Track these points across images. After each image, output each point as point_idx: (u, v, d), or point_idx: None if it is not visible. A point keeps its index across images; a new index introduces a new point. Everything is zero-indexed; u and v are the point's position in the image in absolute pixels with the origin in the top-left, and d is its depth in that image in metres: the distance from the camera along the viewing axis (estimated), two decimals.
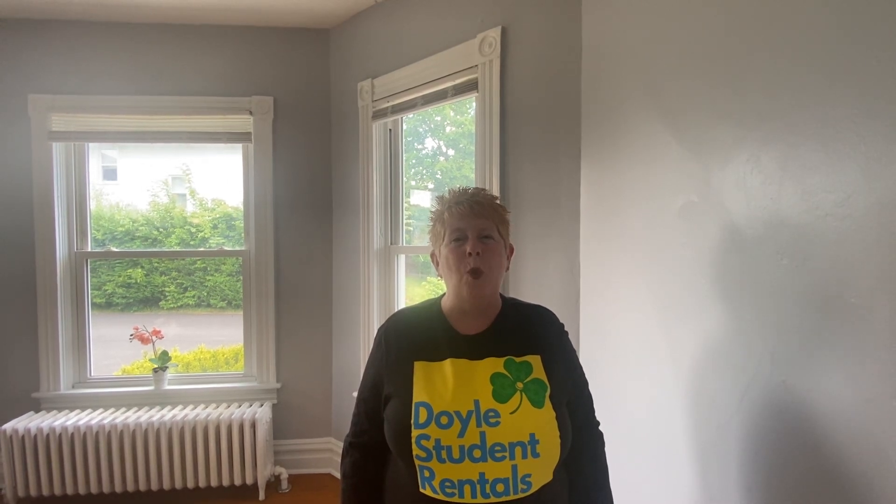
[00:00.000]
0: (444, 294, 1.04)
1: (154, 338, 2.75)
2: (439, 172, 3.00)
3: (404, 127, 2.60)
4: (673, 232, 1.33)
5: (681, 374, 1.31)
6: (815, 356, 1.03)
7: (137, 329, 2.76)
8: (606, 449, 1.06)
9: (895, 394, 0.91)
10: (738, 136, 1.17)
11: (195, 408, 2.59)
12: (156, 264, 4.31)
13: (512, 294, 1.86)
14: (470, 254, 0.95)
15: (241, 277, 2.81)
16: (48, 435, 2.33)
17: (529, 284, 1.84)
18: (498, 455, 0.86)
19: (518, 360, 0.95)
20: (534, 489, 0.88)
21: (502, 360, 0.94)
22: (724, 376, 1.21)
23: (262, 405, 2.65)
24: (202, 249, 3.84)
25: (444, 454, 0.86)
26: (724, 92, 1.20)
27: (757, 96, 1.13)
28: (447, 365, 0.94)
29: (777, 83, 1.09)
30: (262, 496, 2.51)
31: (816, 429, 1.03)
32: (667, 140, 1.35)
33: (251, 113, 2.68)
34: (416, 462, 0.88)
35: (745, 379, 1.16)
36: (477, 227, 0.97)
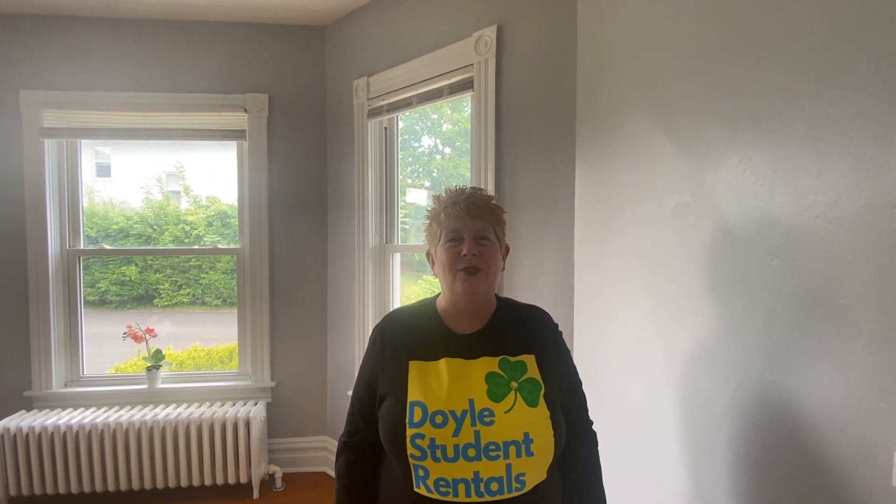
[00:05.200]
0: (440, 294, 1.04)
1: (147, 336, 2.74)
2: (435, 170, 2.99)
3: (400, 125, 2.60)
4: (666, 232, 1.34)
5: (673, 373, 1.33)
6: (804, 356, 1.04)
7: (131, 327, 2.74)
8: (599, 448, 1.06)
9: (882, 394, 0.92)
10: (730, 137, 1.18)
11: (189, 406, 2.58)
12: (150, 262, 4.28)
13: (506, 293, 1.86)
14: (465, 256, 0.95)
15: (236, 275, 2.80)
16: (40, 434, 2.32)
17: (524, 283, 1.84)
18: (492, 454, 0.87)
19: (513, 359, 0.95)
20: (528, 488, 0.88)
21: (497, 359, 0.95)
22: (716, 375, 1.22)
23: (256, 404, 2.64)
24: (196, 247, 3.82)
25: (438, 453, 0.86)
26: (717, 93, 1.21)
27: (749, 97, 1.14)
28: (442, 364, 0.94)
29: (769, 84, 1.10)
30: (256, 495, 2.51)
31: (805, 428, 1.04)
32: (661, 140, 1.35)
33: (246, 110, 2.67)
34: (411, 461, 0.88)
35: (736, 378, 1.17)
36: (473, 228, 0.97)
